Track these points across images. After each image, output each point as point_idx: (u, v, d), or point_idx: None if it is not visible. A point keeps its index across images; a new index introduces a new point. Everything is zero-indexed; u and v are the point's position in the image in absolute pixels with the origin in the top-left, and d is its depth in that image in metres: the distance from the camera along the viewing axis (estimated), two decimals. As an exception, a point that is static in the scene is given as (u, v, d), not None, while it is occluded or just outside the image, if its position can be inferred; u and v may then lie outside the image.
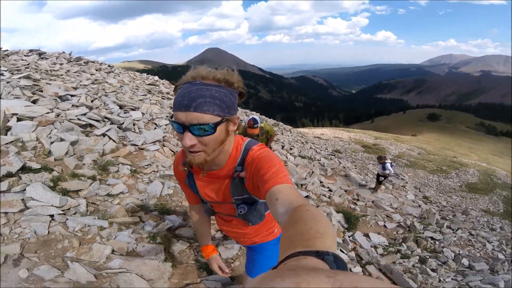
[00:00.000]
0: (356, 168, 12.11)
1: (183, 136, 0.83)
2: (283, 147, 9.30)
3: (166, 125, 5.46)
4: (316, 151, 12.51)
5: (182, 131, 0.84)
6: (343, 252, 3.77)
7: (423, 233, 5.31)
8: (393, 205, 6.96)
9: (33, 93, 4.34)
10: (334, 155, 13.84)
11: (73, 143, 3.52)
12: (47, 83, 4.86)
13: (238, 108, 1.05)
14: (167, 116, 5.80)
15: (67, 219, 2.34)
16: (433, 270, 3.91)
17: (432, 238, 5.16)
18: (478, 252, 5.17)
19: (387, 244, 4.62)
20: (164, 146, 4.73)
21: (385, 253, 4.24)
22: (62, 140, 3.46)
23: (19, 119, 3.47)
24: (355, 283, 0.26)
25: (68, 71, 6.84)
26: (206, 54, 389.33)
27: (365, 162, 15.93)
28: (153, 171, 3.80)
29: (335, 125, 76.41)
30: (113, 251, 2.18)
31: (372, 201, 6.68)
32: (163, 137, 4.88)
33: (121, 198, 2.96)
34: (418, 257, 4.22)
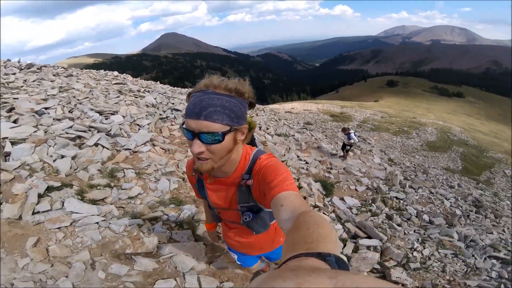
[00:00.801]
0: (327, 138, 12.79)
1: (192, 143, 0.86)
2: (260, 128, 9.56)
3: (148, 124, 5.48)
4: (289, 126, 12.98)
5: (191, 138, 0.86)
6: (325, 214, 4.25)
7: (388, 193, 5.99)
8: (361, 170, 7.63)
9: (9, 111, 4.11)
10: (305, 128, 14.43)
11: (73, 158, 3.62)
12: (14, 99, 4.59)
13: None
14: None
15: (110, 223, 2.65)
16: (398, 225, 4.53)
17: (396, 197, 5.85)
18: (437, 208, 5.94)
19: (360, 205, 5.19)
20: (154, 145, 4.81)
21: (359, 212, 4.80)
22: (63, 156, 3.56)
23: (12, 143, 3.41)
24: (357, 283, 0.26)
25: (26, 80, 6.27)
26: (163, 40, 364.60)
27: (334, 131, 16.71)
28: (154, 170, 4.03)
29: (303, 98, 77.96)
30: (158, 241, 2.57)
31: (344, 168, 7.28)
32: (150, 137, 4.96)
33: (141, 198, 3.33)
34: (385, 215, 4.84)
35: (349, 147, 8.59)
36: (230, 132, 0.87)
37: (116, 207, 2.99)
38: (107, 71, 11.65)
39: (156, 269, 2.23)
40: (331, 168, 7.15)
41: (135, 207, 3.09)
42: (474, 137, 26.11)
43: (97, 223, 2.62)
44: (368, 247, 3.38)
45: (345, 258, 3.50)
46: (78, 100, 5.55)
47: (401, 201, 5.71)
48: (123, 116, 5.33)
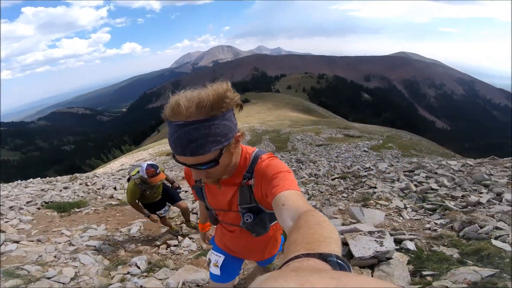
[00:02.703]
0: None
1: (192, 172, 0.90)
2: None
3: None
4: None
5: (189, 167, 0.88)
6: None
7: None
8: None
9: None
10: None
11: None
12: None
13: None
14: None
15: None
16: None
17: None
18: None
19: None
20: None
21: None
22: None
23: None
24: (359, 284, 0.26)
25: None
26: None
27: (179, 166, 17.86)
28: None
29: (128, 150, 73.03)
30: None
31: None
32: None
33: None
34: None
35: None
36: (223, 152, 0.85)
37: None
38: None
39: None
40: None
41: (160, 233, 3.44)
42: (269, 125, 34.37)
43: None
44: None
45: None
46: None
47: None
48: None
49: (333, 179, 6.33)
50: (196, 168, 0.86)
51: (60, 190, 7.22)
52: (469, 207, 3.50)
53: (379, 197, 4.14)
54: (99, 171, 26.09)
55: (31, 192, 6.75)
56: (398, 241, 2.48)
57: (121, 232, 4.31)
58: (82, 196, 6.53)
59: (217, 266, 1.42)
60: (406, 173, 5.85)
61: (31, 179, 9.34)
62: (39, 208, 5.39)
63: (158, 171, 3.28)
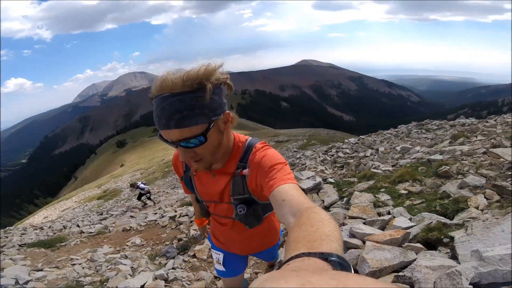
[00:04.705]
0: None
1: (178, 151, 0.84)
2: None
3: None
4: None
5: (175, 146, 0.83)
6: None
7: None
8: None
9: None
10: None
11: None
12: None
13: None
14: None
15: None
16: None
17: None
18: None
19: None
20: None
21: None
22: None
23: None
24: (359, 284, 0.26)
25: None
26: None
27: (120, 205, 16.83)
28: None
29: (43, 204, 62.17)
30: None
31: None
32: None
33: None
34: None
35: (148, 195, 10.14)
36: (210, 128, 0.80)
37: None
38: None
39: None
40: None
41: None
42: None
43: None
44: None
45: None
46: None
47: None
48: None
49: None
50: (182, 146, 0.81)
51: (20, 236, 7.07)
52: (360, 159, 5.66)
53: (308, 167, 6.04)
54: (20, 226, 22.18)
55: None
56: (324, 180, 4.25)
57: (127, 245, 4.97)
58: (53, 235, 6.64)
59: (220, 263, 1.42)
60: (323, 152, 8.13)
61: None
62: (18, 250, 5.46)
63: None
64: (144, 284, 2.99)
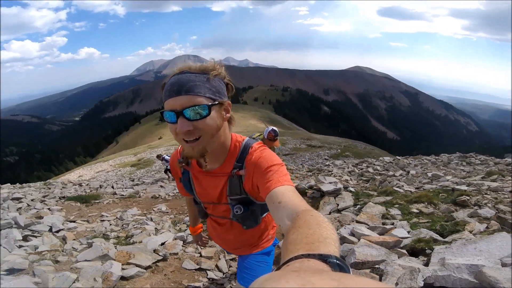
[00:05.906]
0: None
1: (177, 124, 0.84)
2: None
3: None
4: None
5: (175, 119, 0.84)
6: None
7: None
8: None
9: None
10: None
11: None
12: None
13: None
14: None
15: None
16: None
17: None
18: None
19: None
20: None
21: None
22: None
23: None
24: (359, 285, 0.26)
25: None
26: None
27: (149, 176, 16.83)
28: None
29: (82, 162, 68.47)
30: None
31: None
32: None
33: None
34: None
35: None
36: (215, 105, 0.86)
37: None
38: None
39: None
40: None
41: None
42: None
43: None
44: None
45: None
46: None
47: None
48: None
49: (303, 172, 8.45)
50: (184, 117, 0.83)
51: (61, 189, 8.18)
52: (387, 177, 5.73)
53: (334, 175, 6.24)
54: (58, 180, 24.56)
55: (31, 193, 7.36)
56: (345, 187, 4.49)
57: (154, 210, 5.55)
58: (90, 192, 7.60)
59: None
60: (354, 165, 8.19)
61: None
62: (57, 201, 6.32)
63: (276, 138, 3.62)
64: (165, 242, 3.34)
